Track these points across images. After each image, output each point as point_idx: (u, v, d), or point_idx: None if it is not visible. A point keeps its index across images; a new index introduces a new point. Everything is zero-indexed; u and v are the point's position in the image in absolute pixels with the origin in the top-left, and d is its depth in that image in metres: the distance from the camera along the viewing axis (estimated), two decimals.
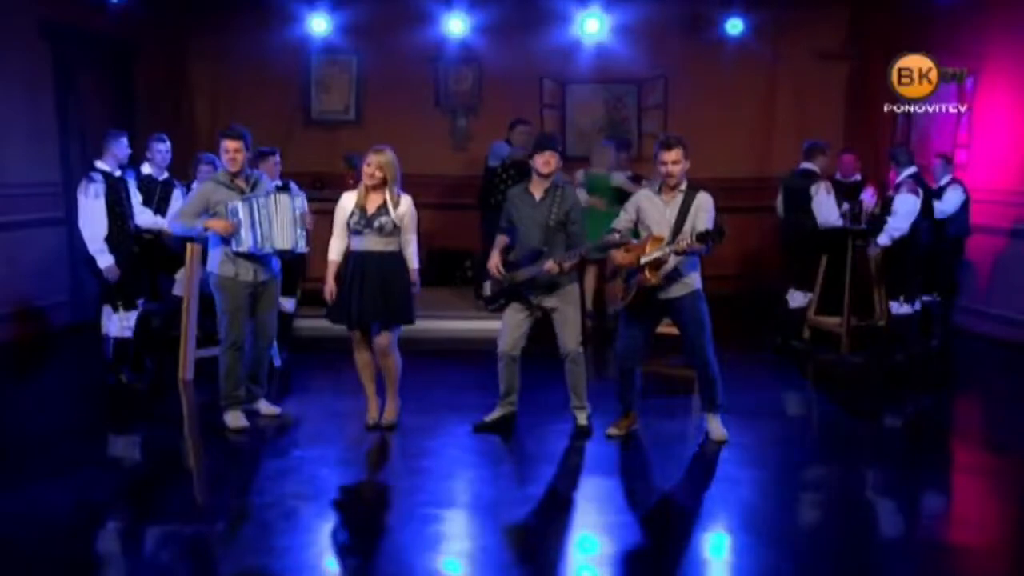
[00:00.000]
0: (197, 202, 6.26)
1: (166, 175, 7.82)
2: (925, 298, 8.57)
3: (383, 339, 6.19)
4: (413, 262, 6.19)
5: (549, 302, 6.08)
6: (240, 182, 6.27)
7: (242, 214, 6.12)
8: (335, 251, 6.18)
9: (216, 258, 6.26)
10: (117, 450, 6.42)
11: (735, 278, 10.97)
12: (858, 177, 9.21)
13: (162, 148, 7.77)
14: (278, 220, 6.24)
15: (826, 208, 8.48)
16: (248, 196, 6.21)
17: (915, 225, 7.99)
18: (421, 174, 10.83)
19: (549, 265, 5.90)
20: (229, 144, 6.18)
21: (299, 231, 6.36)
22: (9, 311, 8.61)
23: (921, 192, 8.02)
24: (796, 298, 8.89)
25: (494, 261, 6.13)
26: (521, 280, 6.05)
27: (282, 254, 6.44)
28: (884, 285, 8.49)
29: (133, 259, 7.33)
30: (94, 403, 7.23)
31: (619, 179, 9.46)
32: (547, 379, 6.63)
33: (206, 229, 6.17)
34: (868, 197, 8.79)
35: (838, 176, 9.11)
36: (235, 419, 6.29)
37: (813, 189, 8.55)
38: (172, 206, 7.74)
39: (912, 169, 8.10)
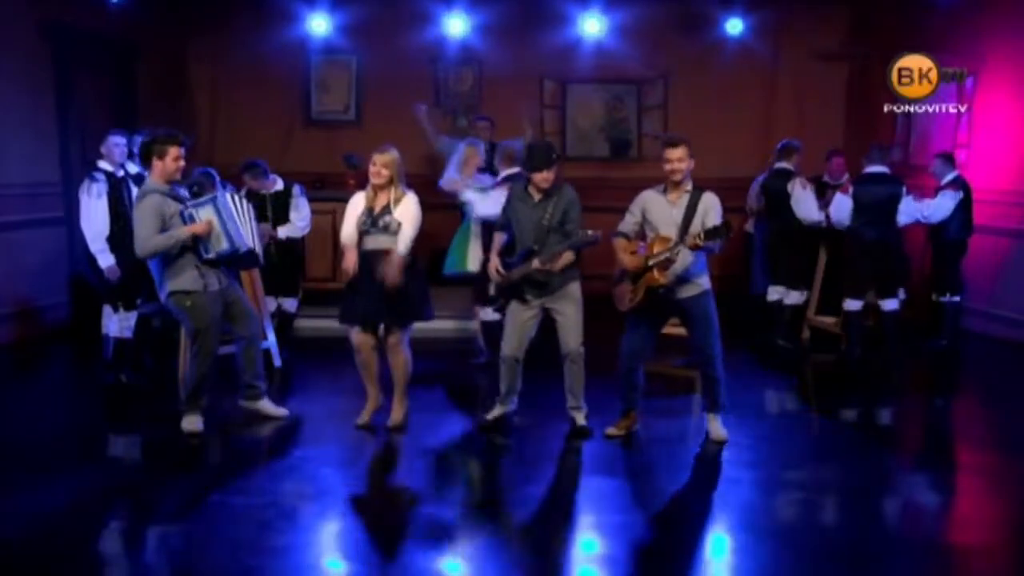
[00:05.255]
0: (155, 220, 5.93)
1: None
2: (941, 298, 8.58)
3: (392, 338, 6.20)
4: (400, 246, 6.05)
5: (549, 302, 6.09)
6: (175, 191, 6.14)
7: (206, 216, 5.97)
8: (347, 237, 6.14)
9: (181, 275, 6.02)
10: (117, 450, 6.43)
11: (733, 278, 10.98)
12: (846, 178, 9.24)
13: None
14: (241, 217, 6.13)
15: (804, 204, 8.51)
16: (204, 199, 6.07)
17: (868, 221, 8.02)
18: (420, 174, 10.83)
19: (536, 263, 5.94)
20: (182, 152, 6.07)
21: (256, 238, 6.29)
22: (9, 311, 8.61)
23: (851, 191, 8.12)
24: (791, 296, 8.91)
25: (493, 263, 6.17)
26: (516, 279, 6.07)
27: (251, 258, 6.30)
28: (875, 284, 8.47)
29: (134, 259, 7.30)
30: (94, 403, 7.23)
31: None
32: (547, 379, 6.62)
33: (191, 235, 5.95)
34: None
35: (826, 178, 9.12)
36: (191, 423, 6.22)
37: (789, 186, 8.60)
38: None
39: (873, 168, 8.09)
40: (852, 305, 8.20)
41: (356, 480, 5.71)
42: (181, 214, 6.00)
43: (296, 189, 8.03)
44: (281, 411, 6.58)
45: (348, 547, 4.82)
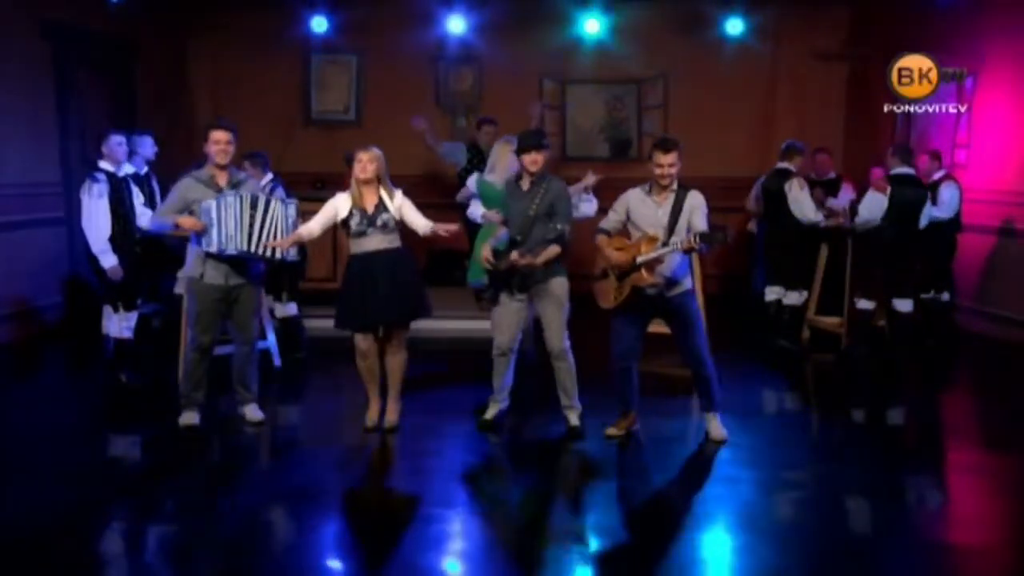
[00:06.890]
0: (176, 201, 6.09)
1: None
2: (930, 296, 8.59)
3: (395, 338, 6.22)
4: (426, 225, 6.14)
5: (534, 296, 6.12)
6: (220, 180, 6.11)
7: (213, 213, 5.95)
8: (308, 230, 6.14)
9: (191, 260, 6.19)
10: (117, 450, 6.43)
11: (734, 277, 10.99)
12: (832, 175, 9.34)
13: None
14: (247, 221, 5.98)
15: (802, 204, 8.53)
16: (220, 195, 6.04)
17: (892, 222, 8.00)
18: (421, 174, 10.86)
19: (513, 256, 5.96)
20: (221, 135, 6.06)
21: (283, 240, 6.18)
22: (8, 311, 8.61)
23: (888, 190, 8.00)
24: (789, 297, 8.92)
25: (485, 252, 6.15)
26: (502, 269, 6.08)
27: (254, 258, 6.19)
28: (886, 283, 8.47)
29: (135, 260, 7.32)
30: (94, 403, 7.23)
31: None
32: (546, 379, 6.62)
33: (177, 226, 6.06)
34: (844, 196, 8.87)
35: (813, 175, 9.21)
36: (187, 418, 6.27)
37: (787, 187, 8.61)
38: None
39: (901, 170, 8.07)
40: (865, 304, 8.18)
41: (355, 480, 5.71)
42: (201, 204, 6.00)
43: (271, 185, 7.92)
44: (257, 416, 6.43)
45: (348, 547, 4.82)
